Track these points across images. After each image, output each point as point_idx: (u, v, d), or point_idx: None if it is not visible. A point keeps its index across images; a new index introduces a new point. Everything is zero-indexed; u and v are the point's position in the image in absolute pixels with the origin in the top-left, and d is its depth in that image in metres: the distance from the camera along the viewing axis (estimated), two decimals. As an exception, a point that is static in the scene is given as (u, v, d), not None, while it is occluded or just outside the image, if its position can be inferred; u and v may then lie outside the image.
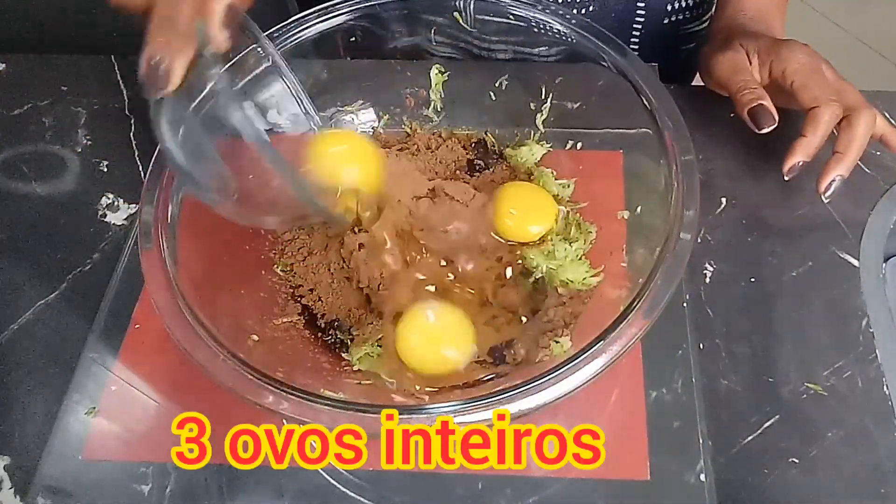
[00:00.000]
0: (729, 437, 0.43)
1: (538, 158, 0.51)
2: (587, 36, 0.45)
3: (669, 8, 0.61)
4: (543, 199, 0.48)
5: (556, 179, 0.50)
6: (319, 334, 0.45)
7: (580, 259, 0.46)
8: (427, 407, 0.32)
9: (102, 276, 0.50)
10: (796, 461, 0.42)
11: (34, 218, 0.54)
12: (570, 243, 0.46)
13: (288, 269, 0.47)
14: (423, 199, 0.48)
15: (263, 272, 0.47)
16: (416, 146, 0.52)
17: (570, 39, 0.46)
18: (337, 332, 0.45)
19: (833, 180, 0.47)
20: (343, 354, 0.44)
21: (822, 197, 0.47)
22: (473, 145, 0.53)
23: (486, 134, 0.53)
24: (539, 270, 0.45)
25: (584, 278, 0.45)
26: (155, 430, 0.44)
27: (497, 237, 0.47)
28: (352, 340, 0.44)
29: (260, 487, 0.41)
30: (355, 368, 0.43)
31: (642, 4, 0.59)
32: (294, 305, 0.46)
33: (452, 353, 0.42)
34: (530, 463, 0.42)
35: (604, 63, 0.44)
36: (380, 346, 0.44)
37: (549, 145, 0.52)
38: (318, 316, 0.45)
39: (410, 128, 0.54)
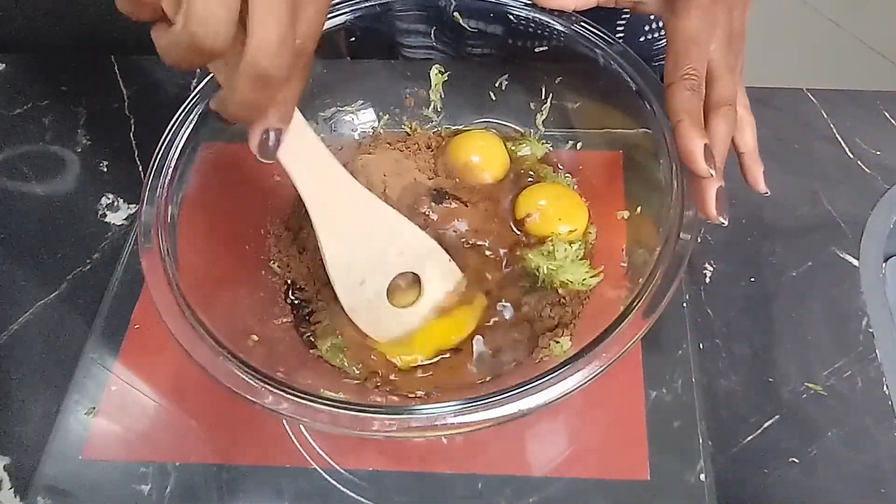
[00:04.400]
0: (729, 437, 0.43)
1: (539, 156, 0.52)
2: (587, 36, 0.45)
3: (647, 28, 0.60)
4: (577, 200, 0.49)
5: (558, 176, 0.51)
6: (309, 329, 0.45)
7: (580, 260, 0.46)
8: (427, 407, 0.32)
9: (102, 276, 0.50)
10: (796, 461, 0.42)
11: (34, 218, 0.54)
12: (570, 244, 0.46)
13: (283, 265, 0.47)
14: (424, 197, 0.48)
15: (263, 272, 0.47)
16: (416, 146, 0.52)
17: (570, 40, 0.46)
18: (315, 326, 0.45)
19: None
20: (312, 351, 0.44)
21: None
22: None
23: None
24: (539, 271, 0.45)
25: (584, 279, 0.45)
26: (155, 430, 0.44)
27: (514, 230, 0.47)
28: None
29: (260, 487, 0.41)
30: (322, 359, 0.43)
31: (622, 27, 0.59)
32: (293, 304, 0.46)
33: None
34: (530, 463, 0.42)
35: (603, 63, 0.44)
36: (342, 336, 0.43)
37: (548, 145, 0.52)
38: (308, 314, 0.45)
39: (410, 128, 0.54)
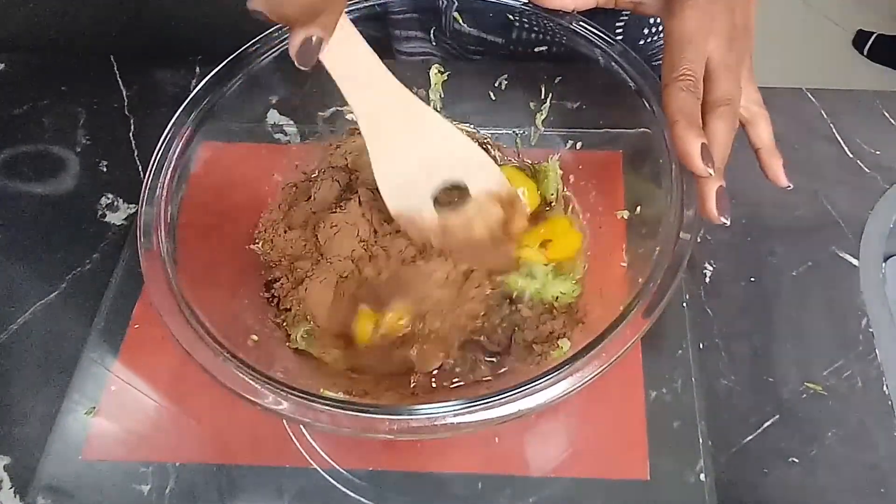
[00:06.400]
0: (729, 437, 0.43)
1: (559, 186, 0.50)
2: (587, 36, 0.45)
3: (646, 32, 0.60)
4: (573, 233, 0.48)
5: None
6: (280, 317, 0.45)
7: (560, 275, 0.45)
8: (427, 407, 0.32)
9: (102, 276, 0.50)
10: (796, 461, 0.42)
11: (34, 218, 0.54)
12: (546, 264, 0.45)
13: (269, 243, 0.47)
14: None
15: (263, 272, 0.47)
16: None
17: (570, 40, 0.46)
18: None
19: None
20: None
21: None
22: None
23: (486, 140, 0.53)
24: (524, 294, 0.44)
25: (573, 290, 0.44)
26: (155, 430, 0.44)
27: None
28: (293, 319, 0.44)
29: (260, 487, 0.41)
30: (294, 347, 0.43)
31: (620, 27, 0.59)
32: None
33: None
34: (530, 463, 0.42)
35: (603, 62, 0.44)
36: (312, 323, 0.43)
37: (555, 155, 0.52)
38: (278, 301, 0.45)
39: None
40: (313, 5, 0.29)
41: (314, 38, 0.31)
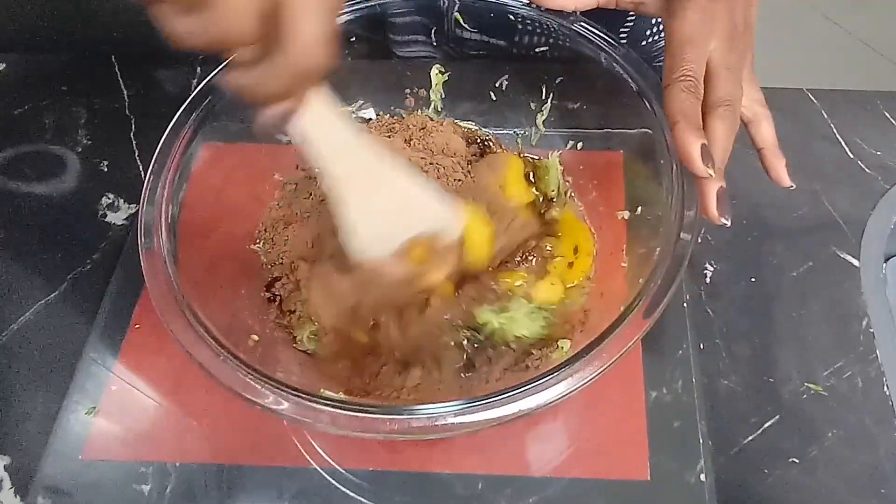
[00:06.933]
0: (729, 437, 0.43)
1: (560, 182, 0.50)
2: (588, 36, 0.45)
3: (648, 32, 0.60)
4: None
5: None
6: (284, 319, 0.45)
7: (536, 312, 0.44)
8: (426, 407, 0.32)
9: (102, 276, 0.50)
10: (796, 461, 0.42)
11: (34, 218, 0.54)
12: (531, 301, 0.44)
13: (269, 243, 0.47)
14: None
15: (264, 272, 0.47)
16: (407, 129, 0.51)
17: (570, 40, 0.46)
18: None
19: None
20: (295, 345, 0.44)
21: None
22: (477, 143, 0.53)
23: (488, 137, 0.53)
24: (487, 326, 0.43)
25: (538, 333, 0.43)
26: (155, 430, 0.44)
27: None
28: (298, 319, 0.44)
29: (260, 487, 0.41)
30: (301, 349, 0.43)
31: (625, 32, 0.59)
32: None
33: None
34: (530, 463, 0.42)
35: (604, 63, 0.44)
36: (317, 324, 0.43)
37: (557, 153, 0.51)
38: (280, 301, 0.45)
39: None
40: (287, 87, 0.28)
41: (282, 113, 0.30)
